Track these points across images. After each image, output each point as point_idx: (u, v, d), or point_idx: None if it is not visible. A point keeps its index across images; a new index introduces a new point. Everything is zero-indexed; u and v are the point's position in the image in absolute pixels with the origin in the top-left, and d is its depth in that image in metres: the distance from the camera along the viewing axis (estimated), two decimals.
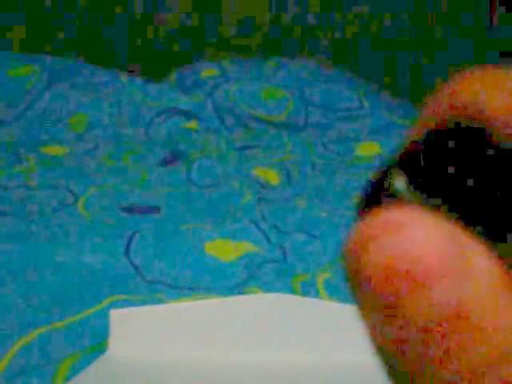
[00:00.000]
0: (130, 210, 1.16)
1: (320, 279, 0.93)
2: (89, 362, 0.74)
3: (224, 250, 1.00)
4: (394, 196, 0.17)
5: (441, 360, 0.15)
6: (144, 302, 0.85)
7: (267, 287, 0.90)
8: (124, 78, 1.72)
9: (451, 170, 0.16)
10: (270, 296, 0.76)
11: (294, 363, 0.72)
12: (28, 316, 0.82)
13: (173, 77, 1.82)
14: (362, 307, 0.16)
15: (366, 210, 0.17)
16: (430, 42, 1.98)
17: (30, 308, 0.84)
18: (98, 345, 0.77)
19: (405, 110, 1.75)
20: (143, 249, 0.99)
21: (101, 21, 1.90)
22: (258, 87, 1.70)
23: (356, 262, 0.16)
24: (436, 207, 0.16)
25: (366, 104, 1.71)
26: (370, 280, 0.15)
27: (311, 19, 1.95)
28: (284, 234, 1.07)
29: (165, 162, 1.44)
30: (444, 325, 0.14)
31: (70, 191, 1.23)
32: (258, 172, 1.37)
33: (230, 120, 1.66)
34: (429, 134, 0.18)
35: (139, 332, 0.74)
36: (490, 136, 0.17)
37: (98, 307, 0.84)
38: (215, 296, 0.87)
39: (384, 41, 1.98)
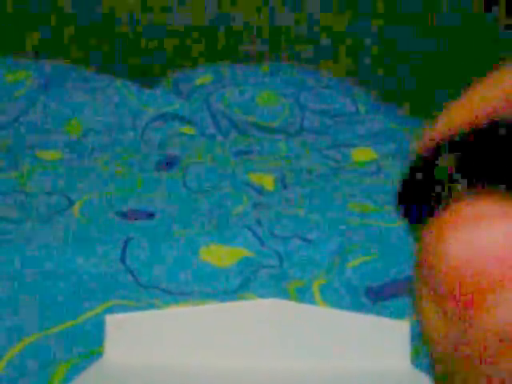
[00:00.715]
0: (125, 215, 1.15)
1: (315, 285, 0.93)
2: (84, 368, 0.73)
3: (219, 255, 1.00)
4: (450, 186, 0.16)
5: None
6: (139, 308, 0.85)
7: (263, 293, 0.90)
8: (119, 82, 1.71)
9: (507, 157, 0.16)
10: (267, 302, 0.75)
11: (291, 369, 0.72)
12: (22, 322, 0.82)
13: (168, 82, 1.82)
14: (425, 299, 0.15)
15: (416, 201, 0.17)
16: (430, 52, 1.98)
17: (24, 313, 0.84)
18: (94, 350, 0.77)
19: (401, 115, 1.75)
20: (138, 254, 0.99)
21: (97, 24, 1.90)
22: (253, 92, 1.70)
23: (431, 255, 0.15)
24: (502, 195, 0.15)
25: (362, 109, 1.71)
26: (446, 275, 0.15)
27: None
28: (279, 239, 1.07)
29: (160, 167, 1.44)
30: None
31: (66, 196, 1.22)
32: (253, 177, 1.36)
33: (225, 125, 1.66)
34: (479, 122, 0.17)
35: (135, 338, 0.74)
36: None
37: (93, 312, 0.84)
38: (210, 301, 0.87)
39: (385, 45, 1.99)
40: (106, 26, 1.91)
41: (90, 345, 0.78)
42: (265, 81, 1.75)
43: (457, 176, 0.16)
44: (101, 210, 1.17)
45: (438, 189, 0.17)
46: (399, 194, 0.18)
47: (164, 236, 1.05)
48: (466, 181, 0.16)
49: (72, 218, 1.13)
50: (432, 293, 0.15)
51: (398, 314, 0.84)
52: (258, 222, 1.12)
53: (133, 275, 0.94)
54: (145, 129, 1.62)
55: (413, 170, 0.18)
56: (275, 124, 1.65)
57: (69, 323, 0.82)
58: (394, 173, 1.39)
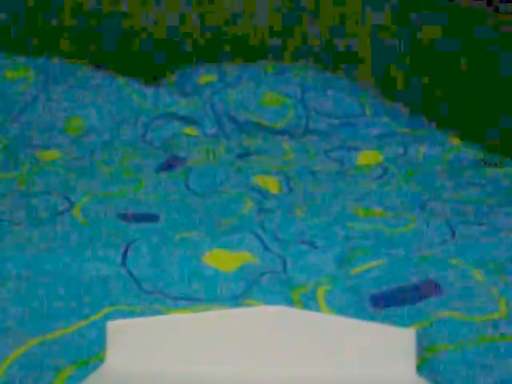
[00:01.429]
0: (127, 217, 1.14)
1: (320, 291, 0.92)
2: (85, 374, 0.73)
3: (223, 260, 0.99)
4: None
5: None
6: (141, 313, 0.84)
7: (267, 298, 0.89)
8: (122, 80, 1.70)
9: None
10: (271, 309, 0.75)
11: (295, 376, 0.71)
12: (23, 326, 0.81)
13: (171, 80, 1.81)
14: None
15: None
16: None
17: (25, 318, 0.83)
18: (95, 356, 0.76)
19: (407, 118, 1.74)
20: (141, 258, 0.98)
21: (97, 23, 1.90)
22: (258, 93, 1.69)
23: None
24: None
25: (368, 111, 1.69)
26: None
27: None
28: (284, 244, 1.06)
29: (163, 168, 1.43)
30: None
31: (66, 197, 1.21)
32: (257, 180, 1.35)
33: (229, 126, 1.65)
34: None
35: (137, 343, 0.73)
36: None
37: (95, 317, 0.83)
38: (214, 307, 0.86)
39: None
40: (106, 25, 1.90)
41: (91, 350, 0.77)
42: (270, 81, 1.73)
43: None
44: (102, 212, 1.16)
45: None
46: None
47: (167, 240, 1.04)
48: None
49: (72, 220, 1.12)
50: None
51: (403, 322, 0.83)
52: (263, 227, 1.11)
53: (135, 280, 0.93)
54: (147, 128, 1.61)
55: None
56: (280, 125, 1.64)
57: (70, 328, 0.81)
58: (401, 176, 1.38)
